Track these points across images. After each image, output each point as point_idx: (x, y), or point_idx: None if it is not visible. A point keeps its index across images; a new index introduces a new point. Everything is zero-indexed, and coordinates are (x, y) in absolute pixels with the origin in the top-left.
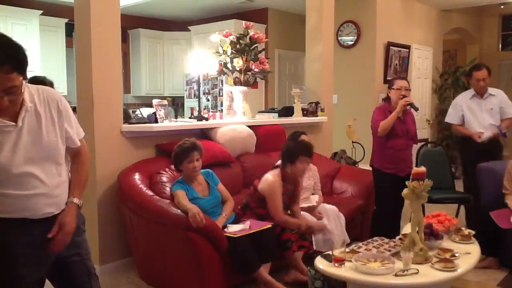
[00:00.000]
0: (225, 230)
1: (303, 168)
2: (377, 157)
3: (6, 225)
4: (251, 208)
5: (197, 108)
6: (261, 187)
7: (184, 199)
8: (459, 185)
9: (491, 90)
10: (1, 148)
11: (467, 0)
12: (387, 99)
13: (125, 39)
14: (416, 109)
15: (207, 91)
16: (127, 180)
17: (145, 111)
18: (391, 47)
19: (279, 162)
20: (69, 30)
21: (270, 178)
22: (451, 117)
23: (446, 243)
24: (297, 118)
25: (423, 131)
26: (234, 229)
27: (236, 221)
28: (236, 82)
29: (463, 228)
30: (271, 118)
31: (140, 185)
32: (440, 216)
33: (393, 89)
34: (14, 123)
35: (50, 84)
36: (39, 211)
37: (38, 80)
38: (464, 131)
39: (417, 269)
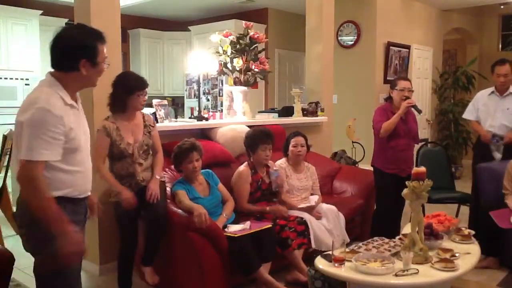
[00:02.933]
0: (225, 230)
1: (264, 155)
2: (378, 157)
3: (60, 203)
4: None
5: (197, 108)
6: (231, 180)
7: (186, 199)
8: (459, 185)
9: None
10: (77, 126)
11: (467, 0)
12: (388, 99)
13: (125, 39)
14: (420, 112)
15: (207, 91)
16: None
17: (145, 111)
18: (391, 47)
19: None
20: None
21: (239, 169)
22: (468, 113)
23: (446, 243)
24: (297, 118)
25: (423, 131)
26: (234, 229)
27: (236, 221)
28: (236, 82)
29: (463, 228)
30: (271, 118)
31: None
32: (440, 216)
33: (395, 89)
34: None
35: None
36: (87, 189)
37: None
38: (478, 129)
39: (417, 269)
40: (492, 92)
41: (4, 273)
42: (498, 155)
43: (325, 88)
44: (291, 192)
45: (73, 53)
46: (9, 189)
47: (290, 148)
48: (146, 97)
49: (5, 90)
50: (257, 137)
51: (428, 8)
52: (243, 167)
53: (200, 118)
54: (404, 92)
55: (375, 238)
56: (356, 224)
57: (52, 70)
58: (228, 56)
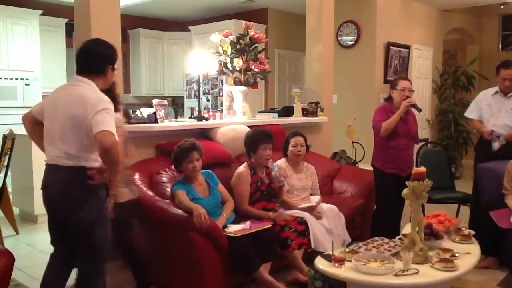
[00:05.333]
0: (225, 230)
1: (265, 154)
2: (378, 157)
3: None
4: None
5: (197, 108)
6: (231, 181)
7: (186, 199)
8: (459, 185)
9: None
10: None
11: (467, 0)
12: (389, 99)
13: (125, 39)
14: (419, 110)
15: (207, 91)
16: None
17: (145, 111)
18: (391, 47)
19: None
20: (69, 30)
21: (239, 170)
22: (470, 112)
23: (446, 243)
24: (297, 118)
25: (423, 131)
26: (234, 229)
27: (236, 221)
28: (236, 82)
29: (463, 228)
30: (271, 118)
31: (140, 185)
32: (440, 216)
33: (396, 89)
34: None
35: None
36: None
37: None
38: (480, 128)
39: (417, 269)
40: (496, 92)
41: (4, 273)
42: (496, 145)
43: (325, 88)
44: (291, 192)
45: (104, 60)
46: (9, 189)
47: (290, 148)
48: None
49: (5, 90)
50: (258, 137)
51: (428, 8)
52: (242, 168)
53: (200, 118)
54: (405, 92)
55: (375, 238)
56: (356, 224)
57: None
58: (228, 56)
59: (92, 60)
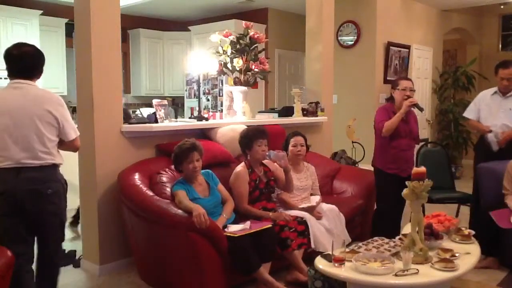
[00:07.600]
0: (225, 230)
1: (261, 150)
2: (379, 157)
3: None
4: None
5: (197, 108)
6: (230, 181)
7: (186, 199)
8: (459, 185)
9: None
10: None
11: (467, 0)
12: (390, 99)
13: (125, 39)
14: (421, 110)
15: (207, 91)
16: (127, 180)
17: (145, 111)
18: (391, 47)
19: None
20: (69, 30)
21: (237, 169)
22: (468, 112)
23: (446, 243)
24: (297, 118)
25: (423, 131)
26: (234, 229)
27: (236, 221)
28: (236, 82)
29: (463, 228)
30: (271, 118)
31: (140, 185)
32: (440, 216)
33: (397, 89)
34: None
35: None
36: None
37: None
38: (478, 126)
39: (417, 269)
40: (495, 92)
41: (4, 273)
42: (495, 146)
43: (325, 88)
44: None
45: (43, 62)
46: None
47: (290, 147)
48: None
49: None
50: (252, 134)
51: (428, 8)
52: (240, 167)
53: (200, 118)
54: (406, 91)
55: (375, 238)
56: (356, 224)
57: (20, 79)
58: (228, 56)
59: (37, 63)
